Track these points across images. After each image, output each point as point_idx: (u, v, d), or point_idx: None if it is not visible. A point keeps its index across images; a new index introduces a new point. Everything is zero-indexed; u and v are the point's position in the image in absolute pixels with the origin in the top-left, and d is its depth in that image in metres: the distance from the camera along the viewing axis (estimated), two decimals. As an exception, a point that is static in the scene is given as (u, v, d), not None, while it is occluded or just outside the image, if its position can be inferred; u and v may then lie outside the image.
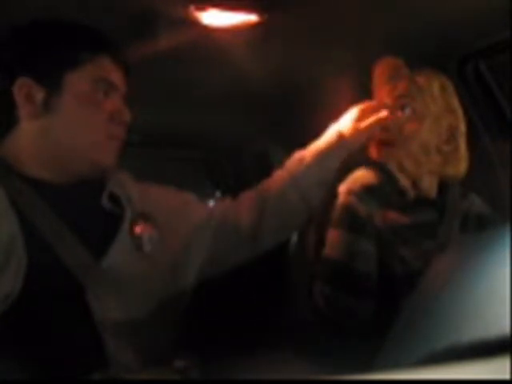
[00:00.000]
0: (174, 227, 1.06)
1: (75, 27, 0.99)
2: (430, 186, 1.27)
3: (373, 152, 1.27)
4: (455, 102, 1.26)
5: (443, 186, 1.30)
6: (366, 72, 1.32)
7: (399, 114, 1.23)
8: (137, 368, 0.90)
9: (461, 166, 1.25)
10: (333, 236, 1.20)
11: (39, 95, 0.92)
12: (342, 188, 1.23)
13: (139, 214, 1.02)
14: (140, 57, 1.42)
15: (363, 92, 1.32)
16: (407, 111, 1.23)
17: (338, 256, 1.18)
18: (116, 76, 0.99)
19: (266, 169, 3.16)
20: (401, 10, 1.28)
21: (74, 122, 0.94)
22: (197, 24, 1.29)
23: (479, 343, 0.31)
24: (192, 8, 1.23)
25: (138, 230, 1.00)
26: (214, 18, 1.27)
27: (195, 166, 3.66)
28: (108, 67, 0.98)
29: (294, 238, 1.99)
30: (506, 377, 0.28)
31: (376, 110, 1.21)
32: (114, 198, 1.02)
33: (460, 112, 1.26)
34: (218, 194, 4.28)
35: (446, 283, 0.38)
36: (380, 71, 1.28)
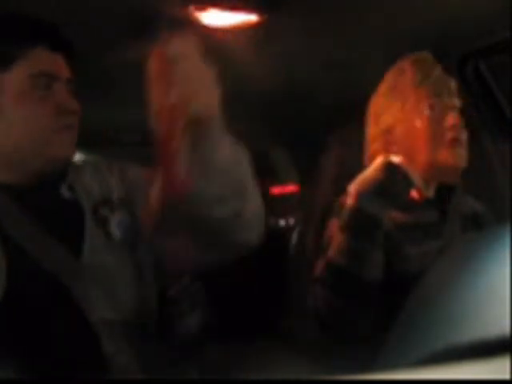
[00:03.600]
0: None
1: (1, 24, 0.94)
2: (431, 185, 1.27)
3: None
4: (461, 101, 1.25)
5: (443, 185, 1.29)
6: (367, 72, 1.32)
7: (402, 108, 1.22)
8: (134, 368, 0.89)
9: (463, 166, 1.24)
10: (339, 240, 1.14)
11: None
12: (352, 188, 1.15)
13: (100, 201, 0.98)
14: (140, 57, 1.42)
15: (363, 92, 1.32)
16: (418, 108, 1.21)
17: (344, 262, 1.12)
18: (56, 65, 0.94)
19: (265, 169, 3.17)
20: (400, 9, 1.28)
21: (20, 123, 0.91)
22: (197, 24, 1.29)
23: (479, 343, 0.31)
24: (192, 8, 1.23)
25: (102, 217, 0.96)
26: (214, 18, 1.27)
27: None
28: (45, 58, 0.93)
29: (294, 237, 1.99)
30: (506, 377, 0.28)
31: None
32: (73, 191, 0.99)
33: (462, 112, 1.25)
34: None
35: (446, 283, 0.38)
36: (414, 68, 1.24)
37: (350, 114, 1.77)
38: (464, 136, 1.24)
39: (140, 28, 1.32)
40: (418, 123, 1.21)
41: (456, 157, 1.22)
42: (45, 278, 0.87)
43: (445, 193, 1.28)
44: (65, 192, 0.97)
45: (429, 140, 1.21)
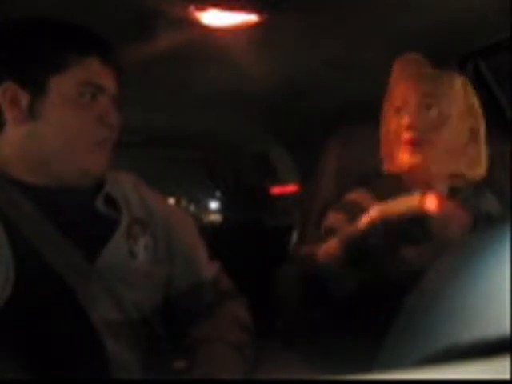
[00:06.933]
0: (167, 240, 1.03)
1: (61, 28, 0.96)
2: (442, 186, 1.23)
3: (403, 157, 1.20)
4: (475, 103, 1.22)
5: (455, 187, 1.25)
6: (367, 72, 1.32)
7: (425, 113, 1.19)
8: (136, 368, 0.89)
9: (482, 168, 1.22)
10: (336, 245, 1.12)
11: (24, 100, 0.90)
12: (374, 211, 1.04)
13: (137, 218, 1.00)
14: (140, 57, 1.43)
15: (363, 92, 1.32)
16: (433, 111, 1.19)
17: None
18: (105, 78, 0.96)
19: (265, 169, 3.17)
20: (401, 10, 1.28)
21: (59, 127, 0.91)
22: (197, 24, 1.30)
23: (479, 343, 0.31)
24: (192, 8, 1.23)
25: (134, 235, 0.97)
26: (214, 18, 1.27)
27: (195, 166, 3.66)
28: (96, 69, 0.94)
29: (294, 237, 1.99)
30: (506, 377, 0.28)
31: (401, 109, 1.18)
32: (110, 201, 0.99)
33: (480, 113, 1.22)
34: (217, 193, 4.28)
35: (446, 283, 0.38)
36: (401, 67, 1.24)
37: (350, 113, 1.77)
38: (484, 146, 1.21)
39: (140, 28, 1.32)
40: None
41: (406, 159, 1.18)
42: (52, 278, 0.87)
43: (453, 194, 1.25)
44: (99, 201, 0.97)
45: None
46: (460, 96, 1.20)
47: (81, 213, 0.96)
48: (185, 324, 0.99)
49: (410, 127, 1.17)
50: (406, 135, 1.17)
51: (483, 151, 1.22)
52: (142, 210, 1.03)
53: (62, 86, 0.91)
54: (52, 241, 0.89)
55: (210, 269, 1.08)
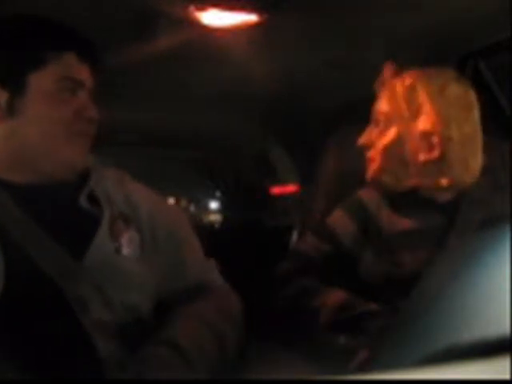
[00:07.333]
0: (153, 233, 1.02)
1: (38, 24, 0.95)
2: (441, 190, 1.20)
3: (369, 173, 1.23)
4: (432, 103, 1.14)
5: (461, 191, 1.21)
6: (367, 72, 1.32)
7: (374, 129, 1.20)
8: (129, 368, 0.89)
9: (458, 174, 1.16)
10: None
11: (2, 98, 0.90)
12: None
13: (119, 214, 0.99)
14: (140, 57, 1.43)
15: (363, 92, 1.32)
16: (381, 125, 1.19)
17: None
18: (83, 72, 0.96)
19: (265, 169, 3.17)
20: (401, 10, 1.28)
21: (39, 123, 0.92)
22: (197, 24, 1.30)
23: (479, 343, 0.31)
24: (192, 8, 1.23)
25: (117, 231, 0.96)
26: (214, 18, 1.27)
27: (195, 166, 3.66)
28: (74, 64, 0.94)
29: (294, 237, 1.99)
30: (506, 377, 0.28)
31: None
32: (94, 198, 0.98)
33: (447, 114, 1.14)
34: (217, 193, 4.28)
35: (445, 283, 0.38)
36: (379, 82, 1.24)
37: (350, 113, 1.77)
38: (455, 151, 1.16)
39: (140, 28, 1.32)
40: None
41: None
42: (40, 279, 0.87)
43: (459, 199, 1.21)
44: (82, 198, 0.97)
45: None
46: (403, 101, 1.16)
47: (65, 210, 0.96)
48: (169, 313, 0.98)
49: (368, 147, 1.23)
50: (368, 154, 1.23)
51: (454, 157, 1.15)
52: (126, 205, 1.02)
53: (41, 82, 0.91)
54: (38, 240, 0.89)
55: (201, 267, 1.08)
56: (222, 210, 4.18)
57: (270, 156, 2.63)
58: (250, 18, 1.28)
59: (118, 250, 0.96)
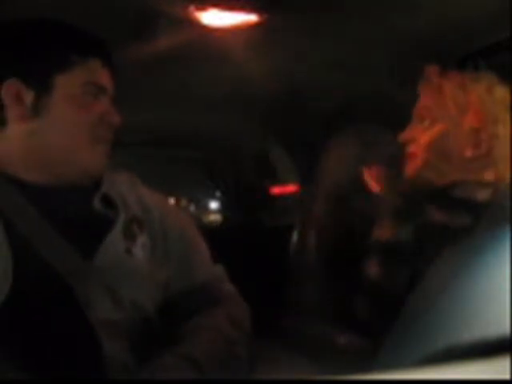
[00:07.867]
0: (164, 238, 1.03)
1: (66, 29, 0.98)
2: (483, 186, 1.19)
3: (409, 168, 1.23)
4: (481, 102, 1.19)
5: (499, 188, 1.20)
6: (367, 72, 1.32)
7: (417, 126, 1.21)
8: (134, 368, 0.89)
9: (502, 170, 1.18)
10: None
11: (28, 97, 0.91)
12: None
13: (134, 217, 1.00)
14: (140, 57, 1.43)
15: (363, 92, 1.32)
16: (426, 123, 1.20)
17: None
18: (105, 79, 0.98)
19: (265, 169, 3.17)
20: (401, 10, 1.28)
21: (62, 125, 0.93)
22: (197, 24, 1.30)
23: (479, 343, 0.31)
24: (192, 8, 1.23)
25: (131, 234, 0.98)
26: (214, 18, 1.27)
27: (195, 166, 3.66)
28: (98, 70, 0.97)
29: (294, 237, 1.99)
30: (506, 377, 0.28)
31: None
32: (107, 200, 1.00)
33: (494, 113, 1.18)
34: (217, 193, 4.28)
35: (446, 283, 0.38)
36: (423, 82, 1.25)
37: (350, 113, 1.77)
38: (500, 147, 1.18)
39: (140, 28, 1.32)
40: None
41: None
42: (51, 277, 0.87)
43: (491, 197, 1.20)
44: (96, 201, 0.98)
45: None
46: (452, 98, 1.19)
47: (78, 212, 0.96)
48: (179, 321, 0.99)
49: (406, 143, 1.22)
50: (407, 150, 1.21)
51: (499, 153, 1.18)
52: (140, 208, 1.03)
53: (67, 84, 0.93)
54: (49, 240, 0.89)
55: (208, 269, 1.08)
56: (222, 210, 4.18)
57: (270, 156, 2.63)
58: (250, 17, 1.28)
59: (128, 250, 0.96)
